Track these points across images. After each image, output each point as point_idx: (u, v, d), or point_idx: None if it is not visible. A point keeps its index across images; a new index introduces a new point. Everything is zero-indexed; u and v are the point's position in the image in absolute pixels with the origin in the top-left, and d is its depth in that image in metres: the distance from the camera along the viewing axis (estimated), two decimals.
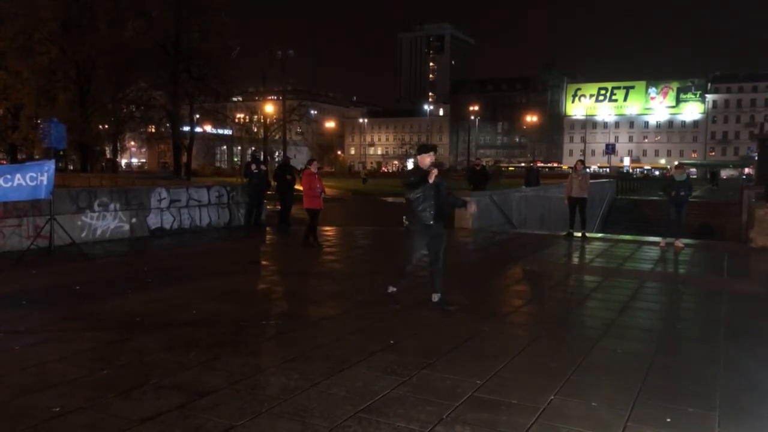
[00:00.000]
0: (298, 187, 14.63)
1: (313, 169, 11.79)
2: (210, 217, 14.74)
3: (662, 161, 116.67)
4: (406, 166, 64.35)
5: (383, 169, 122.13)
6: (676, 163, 17.38)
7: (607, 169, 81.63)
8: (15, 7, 42.99)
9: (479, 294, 7.90)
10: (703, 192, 39.71)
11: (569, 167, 14.73)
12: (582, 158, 16.22)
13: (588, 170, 14.14)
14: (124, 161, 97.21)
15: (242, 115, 72.85)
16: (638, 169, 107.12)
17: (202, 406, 3.98)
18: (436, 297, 6.80)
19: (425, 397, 4.21)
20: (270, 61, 51.01)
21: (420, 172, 6.59)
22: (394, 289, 6.93)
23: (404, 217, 6.78)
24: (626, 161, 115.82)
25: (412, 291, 7.72)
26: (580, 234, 13.77)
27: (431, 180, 6.43)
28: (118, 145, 59.02)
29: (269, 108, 58.68)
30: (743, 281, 9.10)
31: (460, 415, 3.92)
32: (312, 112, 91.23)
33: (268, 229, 15.13)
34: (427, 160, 6.66)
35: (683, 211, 12.31)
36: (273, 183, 16.85)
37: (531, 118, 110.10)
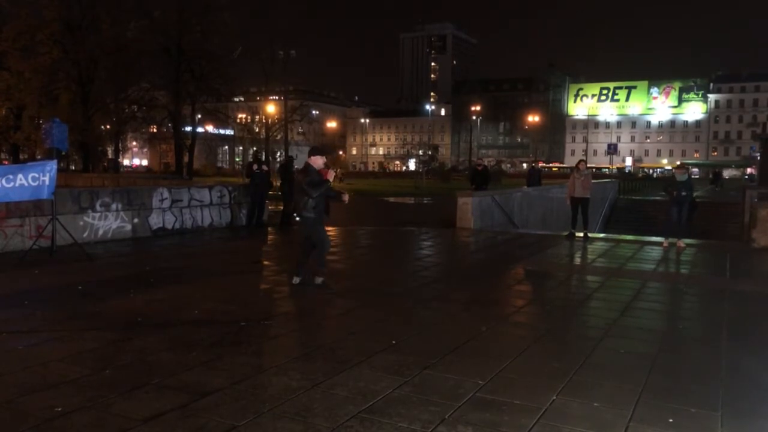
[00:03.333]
0: None
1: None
2: (212, 218, 14.74)
3: (664, 161, 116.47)
4: (407, 167, 64.40)
5: (386, 168, 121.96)
6: (678, 163, 17.36)
7: (607, 169, 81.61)
8: (17, 8, 43.11)
9: (481, 294, 7.89)
10: (704, 192, 39.62)
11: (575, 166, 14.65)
12: (584, 158, 16.20)
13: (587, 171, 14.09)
14: (125, 161, 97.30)
15: (244, 115, 72.97)
16: (645, 170, 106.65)
17: (204, 406, 3.99)
18: (296, 280, 7.93)
19: (427, 397, 4.21)
20: (272, 61, 51.10)
21: (315, 173, 7.44)
22: (299, 279, 7.89)
23: (294, 213, 8.06)
24: (628, 161, 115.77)
25: (416, 290, 7.73)
26: (581, 234, 13.75)
27: (330, 179, 7.53)
28: (120, 145, 59.12)
29: (271, 108, 58.76)
30: (745, 281, 9.08)
31: (462, 416, 3.92)
32: (314, 112, 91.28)
33: (269, 229, 15.13)
34: (320, 162, 7.54)
35: (684, 211, 12.31)
36: (275, 183, 16.86)
37: (533, 118, 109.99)
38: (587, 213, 13.90)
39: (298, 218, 7.77)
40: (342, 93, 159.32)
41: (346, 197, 8.21)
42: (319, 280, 7.78)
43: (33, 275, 8.52)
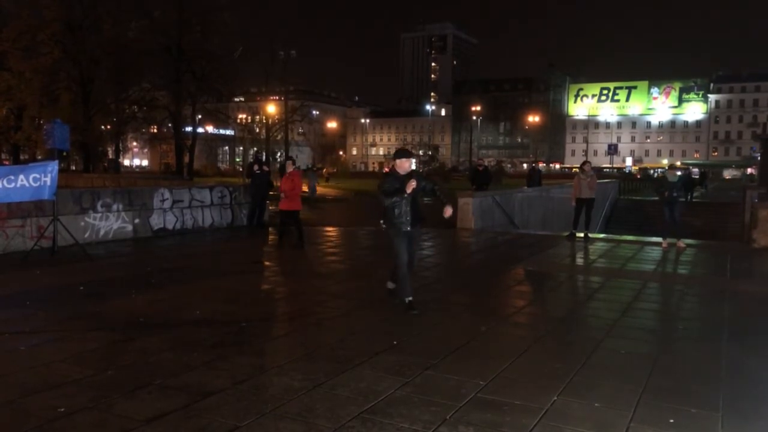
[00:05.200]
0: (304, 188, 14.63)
1: (289, 169, 11.79)
2: (212, 218, 14.76)
3: (665, 161, 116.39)
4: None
5: (385, 169, 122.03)
6: (678, 163, 17.38)
7: (607, 170, 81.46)
8: (18, 8, 43.11)
9: (482, 295, 7.90)
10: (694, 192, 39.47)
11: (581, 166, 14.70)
12: (588, 159, 16.26)
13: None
14: (126, 162, 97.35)
15: (244, 116, 72.99)
16: (648, 170, 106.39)
17: (206, 407, 4.00)
18: (390, 285, 7.11)
19: (429, 397, 4.22)
20: (272, 61, 51.13)
21: (397, 180, 6.49)
22: (393, 285, 7.03)
23: (381, 220, 6.76)
24: (628, 161, 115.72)
25: (417, 291, 7.73)
26: (582, 234, 13.77)
27: (409, 191, 6.33)
28: (121, 145, 59.13)
29: (271, 108, 58.76)
30: (746, 281, 9.09)
31: (464, 416, 3.93)
32: (314, 112, 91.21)
33: (270, 229, 15.14)
34: (406, 165, 6.59)
35: (677, 211, 12.39)
36: (276, 183, 16.87)
37: (533, 119, 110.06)
38: (591, 213, 13.94)
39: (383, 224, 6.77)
40: (342, 93, 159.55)
41: (448, 211, 6.66)
42: (407, 299, 6.67)
43: (34, 276, 8.53)
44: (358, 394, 4.27)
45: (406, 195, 6.38)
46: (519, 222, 17.99)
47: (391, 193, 6.43)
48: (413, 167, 6.77)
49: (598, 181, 15.34)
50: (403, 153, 6.76)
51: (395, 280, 6.95)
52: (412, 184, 6.30)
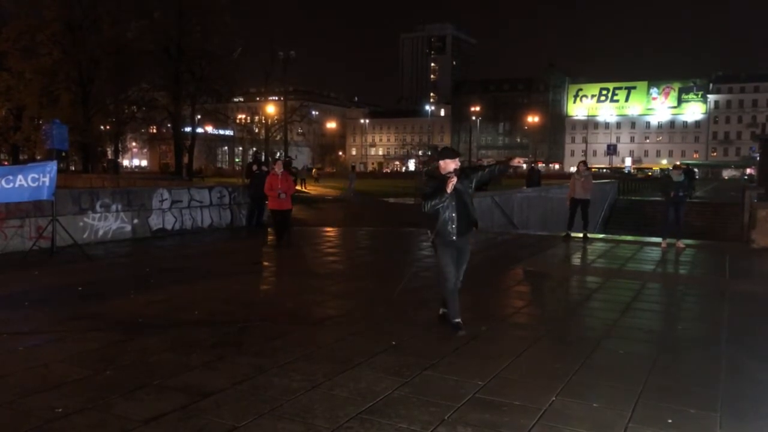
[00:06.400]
0: (298, 187, 14.66)
1: (277, 169, 11.83)
2: (211, 218, 14.76)
3: (664, 162, 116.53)
4: (407, 167, 63.08)
5: (385, 170, 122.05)
6: (678, 163, 17.40)
7: (606, 170, 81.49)
8: (18, 8, 43.13)
9: (481, 295, 7.90)
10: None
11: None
12: (584, 159, 16.23)
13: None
14: (125, 162, 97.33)
15: (243, 116, 72.98)
16: (649, 170, 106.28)
17: (205, 407, 4.00)
18: (442, 311, 6.13)
19: (427, 398, 4.22)
20: (272, 62, 51.09)
21: (437, 181, 5.65)
22: (446, 310, 6.02)
23: (429, 231, 5.85)
24: (628, 162, 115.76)
25: (415, 292, 7.73)
26: (581, 234, 13.77)
27: (448, 190, 5.49)
28: (120, 145, 59.11)
29: (270, 108, 58.74)
30: (745, 282, 9.09)
31: (462, 416, 3.93)
32: (313, 112, 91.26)
33: (269, 230, 15.14)
34: (451, 166, 5.64)
35: (681, 212, 12.35)
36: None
37: (532, 119, 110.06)
38: (587, 214, 13.93)
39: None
40: (342, 93, 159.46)
41: (516, 161, 6.03)
42: (454, 320, 5.85)
43: (33, 276, 8.53)
44: (356, 394, 4.27)
45: (446, 195, 5.54)
46: (518, 222, 18.00)
47: (430, 196, 5.62)
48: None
49: (595, 181, 15.33)
50: (448, 153, 5.81)
51: (446, 303, 6.03)
52: (453, 181, 5.49)
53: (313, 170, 62.92)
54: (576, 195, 13.69)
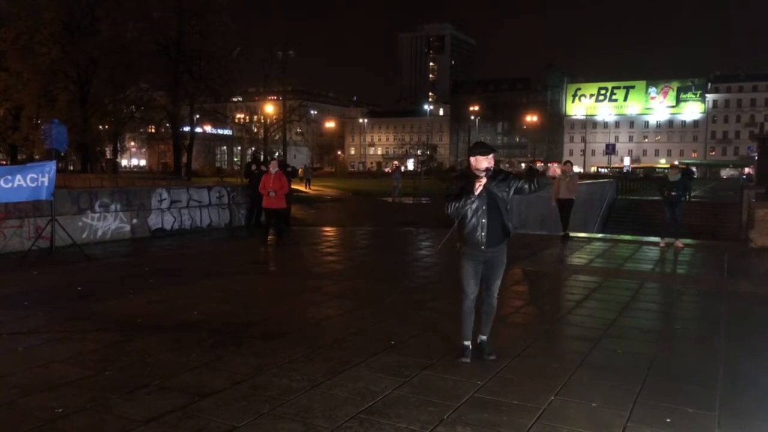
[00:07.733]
0: (295, 186, 14.67)
1: (272, 168, 11.85)
2: (210, 218, 14.76)
3: (662, 161, 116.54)
4: (401, 166, 61.56)
5: (386, 169, 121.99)
6: (676, 162, 17.43)
7: (604, 170, 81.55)
8: (17, 8, 43.02)
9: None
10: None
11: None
12: (569, 160, 16.21)
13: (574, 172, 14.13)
14: (124, 162, 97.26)
15: (242, 116, 72.94)
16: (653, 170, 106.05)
17: (204, 407, 4.01)
18: (479, 338, 5.19)
19: (426, 397, 4.23)
20: (271, 62, 51.08)
21: (464, 180, 4.90)
22: (484, 338, 5.21)
23: (455, 241, 5.06)
24: (626, 161, 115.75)
25: (415, 291, 7.75)
26: (563, 234, 13.79)
27: (477, 191, 4.74)
28: (119, 145, 59.03)
29: (269, 108, 58.72)
30: (743, 281, 9.12)
31: (461, 416, 3.94)
32: (312, 112, 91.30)
33: (269, 230, 15.14)
34: (483, 164, 4.80)
35: (678, 211, 12.40)
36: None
37: (531, 118, 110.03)
38: (569, 215, 13.91)
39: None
40: (341, 93, 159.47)
41: (556, 171, 5.25)
42: (463, 342, 5.09)
43: (32, 276, 8.53)
44: (356, 394, 4.28)
45: (473, 197, 4.77)
46: (517, 222, 18.00)
47: (455, 197, 4.86)
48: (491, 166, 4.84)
49: (591, 181, 15.34)
50: (480, 148, 4.91)
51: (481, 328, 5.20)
52: (482, 181, 4.71)
53: (300, 170, 55.59)
54: (560, 195, 13.69)
